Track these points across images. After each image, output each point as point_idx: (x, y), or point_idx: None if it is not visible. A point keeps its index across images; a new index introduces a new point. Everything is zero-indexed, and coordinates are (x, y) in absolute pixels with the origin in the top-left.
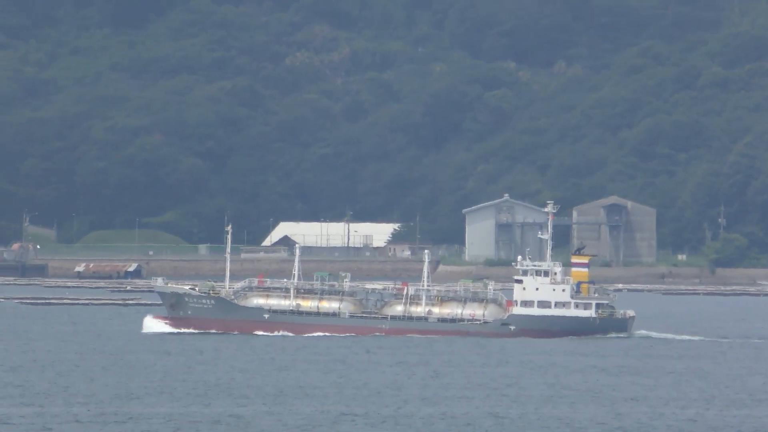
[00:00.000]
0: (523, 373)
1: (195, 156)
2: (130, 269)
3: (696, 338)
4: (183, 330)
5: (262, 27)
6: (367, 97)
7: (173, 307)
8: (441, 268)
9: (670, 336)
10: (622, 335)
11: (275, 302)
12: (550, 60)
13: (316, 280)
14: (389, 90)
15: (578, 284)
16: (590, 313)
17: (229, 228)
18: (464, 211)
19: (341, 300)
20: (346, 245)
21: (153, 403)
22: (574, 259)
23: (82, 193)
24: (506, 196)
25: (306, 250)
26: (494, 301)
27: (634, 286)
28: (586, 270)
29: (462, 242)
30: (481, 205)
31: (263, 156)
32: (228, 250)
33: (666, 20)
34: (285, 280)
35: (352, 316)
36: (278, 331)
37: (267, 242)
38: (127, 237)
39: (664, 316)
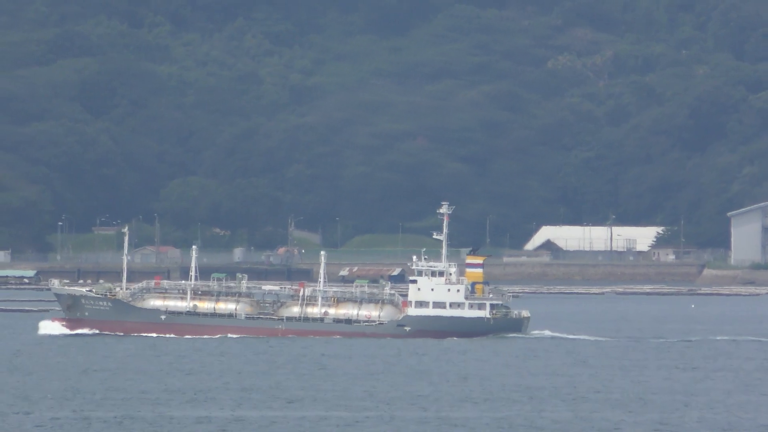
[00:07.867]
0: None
1: (457, 160)
2: (394, 273)
3: (592, 338)
4: (79, 331)
5: (524, 31)
6: (629, 100)
7: (70, 308)
8: (706, 272)
9: (561, 336)
10: (516, 335)
11: (172, 303)
12: None
13: (213, 281)
14: (652, 93)
15: (473, 285)
16: (484, 313)
17: (126, 230)
18: (729, 214)
19: (238, 301)
20: (609, 249)
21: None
22: (469, 260)
23: (346, 197)
24: None
25: (568, 254)
26: (390, 302)
27: None
28: (480, 270)
29: (727, 246)
30: (748, 208)
31: (525, 160)
32: (126, 250)
33: None
34: (183, 281)
35: (248, 318)
36: (172, 333)
37: (529, 246)
38: (391, 241)
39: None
